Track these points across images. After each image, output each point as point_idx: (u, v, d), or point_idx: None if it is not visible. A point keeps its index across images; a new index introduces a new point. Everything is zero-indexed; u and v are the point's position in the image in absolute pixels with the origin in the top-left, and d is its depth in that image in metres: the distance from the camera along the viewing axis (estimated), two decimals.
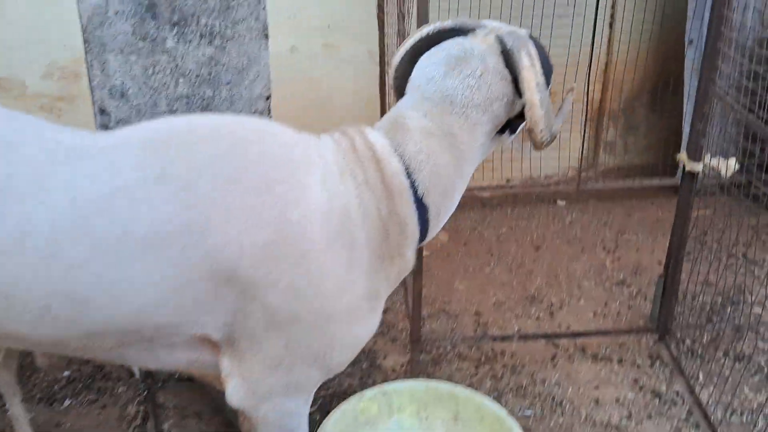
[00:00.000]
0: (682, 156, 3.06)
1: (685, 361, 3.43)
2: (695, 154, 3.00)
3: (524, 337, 3.62)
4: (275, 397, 1.93)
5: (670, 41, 5.13)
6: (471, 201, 5.00)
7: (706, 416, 3.09)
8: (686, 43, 4.78)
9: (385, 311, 4.06)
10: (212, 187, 1.72)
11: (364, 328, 1.98)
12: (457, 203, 2.16)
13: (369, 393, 3.04)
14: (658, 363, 3.49)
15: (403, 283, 3.72)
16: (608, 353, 3.57)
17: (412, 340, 3.43)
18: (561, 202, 5.19)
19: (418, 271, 3.28)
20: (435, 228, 2.11)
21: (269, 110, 2.48)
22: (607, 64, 5.12)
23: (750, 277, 3.90)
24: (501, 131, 2.16)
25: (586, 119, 5.22)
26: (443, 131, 2.00)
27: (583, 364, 3.52)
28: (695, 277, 3.39)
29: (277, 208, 1.75)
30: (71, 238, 1.64)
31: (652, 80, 5.27)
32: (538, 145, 2.05)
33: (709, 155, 3.00)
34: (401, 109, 2.05)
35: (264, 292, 1.75)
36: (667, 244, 3.44)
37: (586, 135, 5.29)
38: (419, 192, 1.97)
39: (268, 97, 2.47)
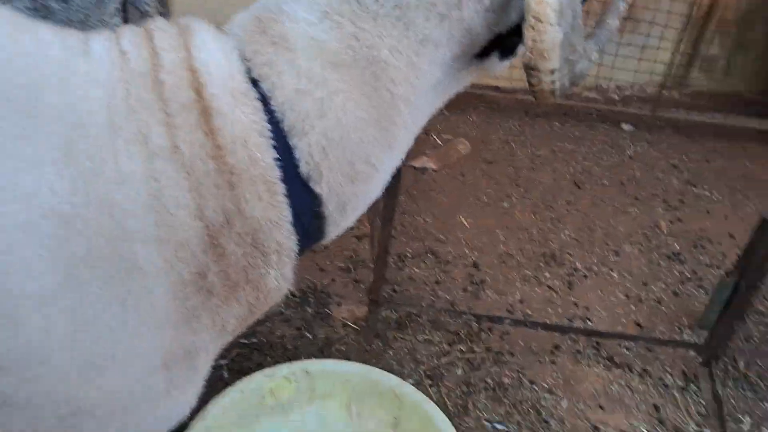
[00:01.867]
0: None
1: (732, 400, 2.51)
2: None
3: (520, 323, 2.71)
4: None
5: None
6: (510, 104, 3.94)
7: None
8: None
9: (354, 235, 3.30)
10: None
11: (163, 409, 1.12)
12: (380, 188, 1.24)
13: (285, 369, 2.25)
14: (693, 390, 2.58)
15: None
16: (630, 360, 2.67)
17: (370, 295, 2.58)
18: (627, 127, 4.09)
19: (391, 195, 2.35)
20: (337, 226, 1.21)
21: None
22: None
23: None
24: (482, 54, 1.20)
25: (687, 22, 3.98)
26: (358, 54, 1.07)
27: (593, 367, 2.63)
28: None
29: None
30: None
31: None
32: (541, 96, 1.14)
33: None
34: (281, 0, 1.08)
35: None
36: (750, 231, 2.40)
37: (682, 43, 4.07)
38: (302, 171, 1.08)
39: None
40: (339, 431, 2.26)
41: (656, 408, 2.51)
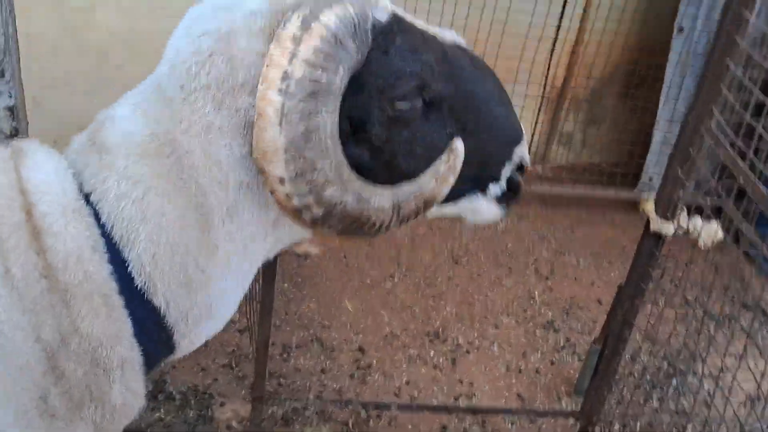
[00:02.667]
0: (647, 206, 2.17)
1: None
2: (667, 210, 2.10)
3: (406, 408, 2.74)
4: None
5: (655, 25, 4.19)
6: None
7: None
8: (675, 30, 3.86)
9: (237, 329, 3.20)
10: None
11: None
12: (229, 298, 1.22)
13: None
14: None
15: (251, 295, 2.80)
16: None
17: (252, 393, 2.54)
18: None
19: (267, 285, 2.33)
20: (186, 337, 1.18)
21: None
22: (576, 42, 4.16)
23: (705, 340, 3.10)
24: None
25: (541, 103, 4.30)
26: (161, 140, 1.08)
27: None
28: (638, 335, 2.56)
29: None
30: None
31: (627, 67, 4.34)
32: (290, 214, 1.10)
33: (685, 212, 2.11)
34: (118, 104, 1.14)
35: None
36: (612, 296, 2.54)
37: (540, 122, 4.39)
38: (137, 283, 1.07)
39: None
40: None
41: None
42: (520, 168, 1.43)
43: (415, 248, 3.75)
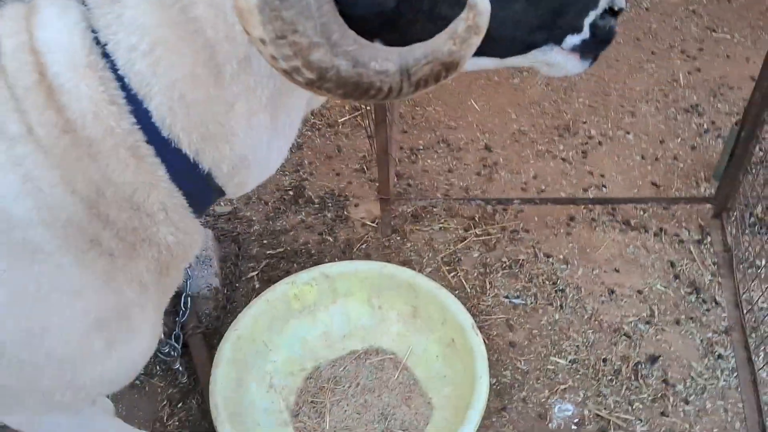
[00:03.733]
0: None
1: (750, 246, 2.52)
2: None
3: (530, 202, 2.74)
4: (18, 414, 1.31)
5: None
6: None
7: (745, 341, 2.29)
8: None
9: (367, 135, 3.21)
10: None
11: (108, 364, 1.23)
12: (275, 140, 1.19)
13: (305, 276, 2.40)
14: (708, 243, 2.61)
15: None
16: (646, 221, 2.70)
17: (379, 193, 2.66)
18: None
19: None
20: (231, 182, 1.19)
21: None
22: None
23: None
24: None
25: None
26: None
27: (608, 233, 2.68)
28: None
29: None
30: None
31: None
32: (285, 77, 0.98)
33: None
34: None
35: None
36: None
37: None
38: (164, 134, 1.07)
39: None
40: (364, 324, 2.42)
41: (672, 264, 2.56)
42: (612, 11, 1.21)
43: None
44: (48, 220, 1.03)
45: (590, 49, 1.22)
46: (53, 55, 1.01)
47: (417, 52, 0.97)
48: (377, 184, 2.84)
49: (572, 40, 1.19)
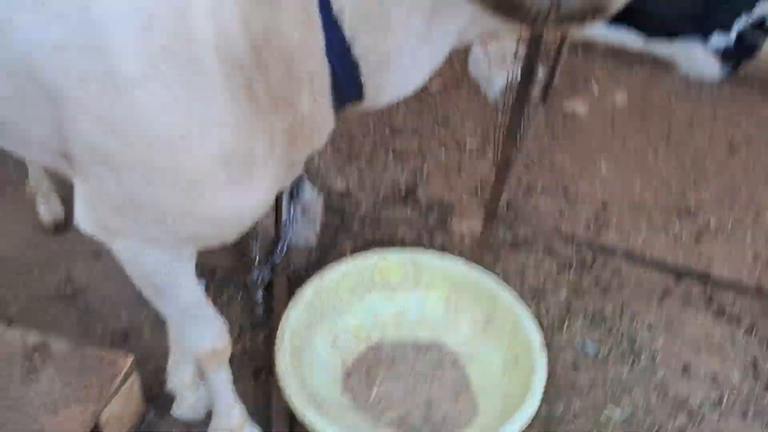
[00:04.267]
0: None
1: None
2: None
3: (634, 258, 2.74)
4: (128, 238, 1.46)
5: None
6: (676, 62, 3.84)
7: None
8: None
9: (483, 158, 3.36)
10: None
11: (221, 203, 1.35)
12: (420, 54, 1.30)
13: (396, 256, 2.50)
14: None
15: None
16: (740, 313, 2.63)
17: (486, 208, 2.74)
18: None
19: (515, 115, 2.40)
20: (374, 85, 1.31)
21: None
22: None
23: None
24: None
25: None
26: None
27: (700, 314, 2.63)
28: None
29: None
30: None
31: None
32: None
33: None
34: None
35: (74, 113, 1.22)
36: None
37: None
38: (334, 9, 1.19)
39: None
40: (435, 319, 2.48)
41: (755, 360, 2.48)
42: (761, 26, 1.22)
43: (691, 129, 3.56)
44: (220, 47, 1.16)
45: (733, 58, 1.25)
46: None
47: None
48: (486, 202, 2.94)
49: (718, 41, 1.23)
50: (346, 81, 1.29)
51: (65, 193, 2.78)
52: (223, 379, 1.97)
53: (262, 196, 1.40)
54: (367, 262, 2.46)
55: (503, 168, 2.55)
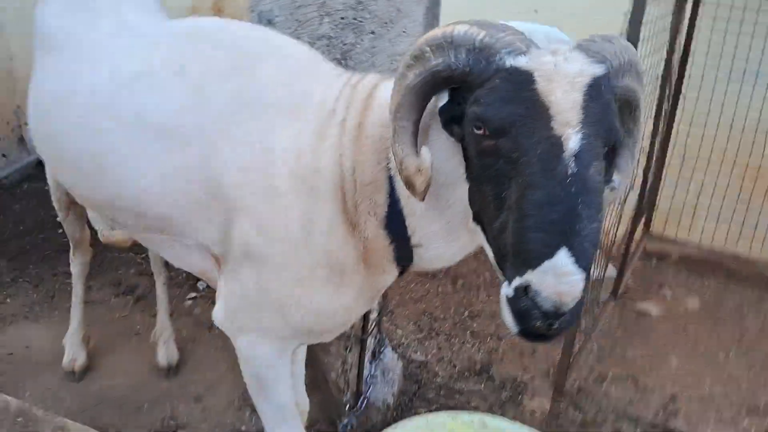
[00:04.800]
0: None
1: None
2: None
3: None
4: (249, 333, 1.85)
5: None
6: (749, 274, 4.05)
7: None
8: None
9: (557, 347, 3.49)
10: (222, 100, 1.69)
11: (321, 298, 1.71)
12: (440, 246, 1.62)
13: (466, 416, 2.69)
14: None
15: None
16: None
17: (554, 386, 2.92)
18: None
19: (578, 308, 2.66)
20: (420, 257, 1.65)
21: None
22: None
23: None
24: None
25: None
26: None
27: None
28: None
29: (263, 134, 1.64)
30: (101, 107, 1.84)
31: None
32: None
33: None
34: None
35: (240, 217, 1.68)
36: None
37: None
38: (401, 204, 1.58)
39: None
40: None
41: None
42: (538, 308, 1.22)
43: (762, 333, 3.68)
44: (332, 180, 1.61)
45: (517, 316, 1.29)
46: (373, 112, 1.59)
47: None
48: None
49: (506, 289, 1.29)
50: (405, 249, 1.65)
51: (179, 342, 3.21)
52: None
53: (349, 302, 1.76)
54: (438, 419, 2.66)
55: (568, 346, 2.79)
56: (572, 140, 1.22)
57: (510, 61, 1.28)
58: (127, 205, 1.88)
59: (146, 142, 1.76)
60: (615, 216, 3.20)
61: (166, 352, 3.09)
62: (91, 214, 2.87)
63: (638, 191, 3.63)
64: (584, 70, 1.28)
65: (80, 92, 1.88)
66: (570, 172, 1.21)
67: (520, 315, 1.27)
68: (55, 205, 2.72)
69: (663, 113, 3.67)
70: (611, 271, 3.73)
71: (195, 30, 1.88)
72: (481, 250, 1.51)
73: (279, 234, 1.64)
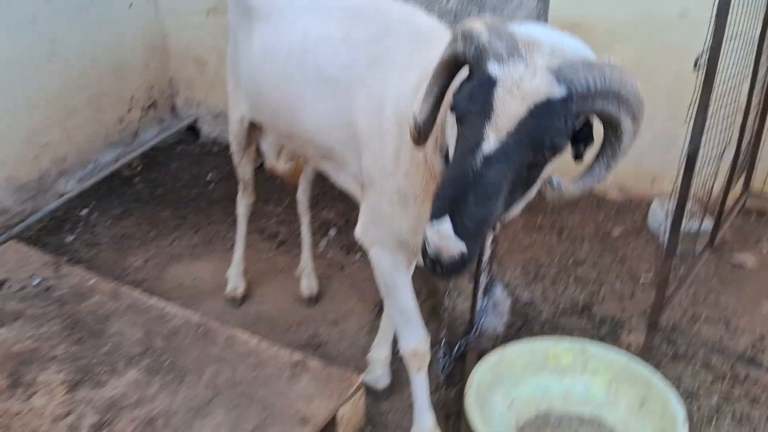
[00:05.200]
0: None
1: None
2: None
3: None
4: (375, 245, 2.41)
5: None
6: None
7: None
8: None
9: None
10: (365, 60, 2.24)
11: (398, 216, 2.20)
12: None
13: (566, 344, 3.08)
14: None
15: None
16: None
17: (648, 324, 3.26)
18: None
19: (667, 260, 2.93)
20: None
21: None
22: None
23: None
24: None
25: None
26: None
27: None
28: None
29: (382, 86, 2.15)
30: (295, 61, 2.43)
31: None
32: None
33: None
34: None
35: (365, 153, 2.22)
36: None
37: None
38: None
39: None
40: (598, 401, 2.99)
41: None
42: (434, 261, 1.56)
43: None
44: (395, 118, 2.12)
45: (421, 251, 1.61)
46: None
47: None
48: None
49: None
50: None
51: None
52: (421, 383, 2.69)
53: (412, 224, 2.22)
54: (543, 344, 3.07)
55: (662, 287, 3.12)
56: (488, 143, 1.52)
57: (489, 66, 1.55)
58: (308, 138, 2.48)
59: (321, 89, 2.33)
60: (712, 171, 3.45)
61: (308, 284, 3.65)
62: (264, 146, 3.42)
63: (734, 148, 3.83)
64: (541, 89, 1.50)
65: (281, 51, 2.48)
66: (475, 168, 1.52)
67: (422, 251, 1.59)
68: (234, 148, 3.28)
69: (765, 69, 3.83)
70: (708, 225, 3.97)
71: (360, 5, 2.40)
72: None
73: (383, 165, 2.17)
